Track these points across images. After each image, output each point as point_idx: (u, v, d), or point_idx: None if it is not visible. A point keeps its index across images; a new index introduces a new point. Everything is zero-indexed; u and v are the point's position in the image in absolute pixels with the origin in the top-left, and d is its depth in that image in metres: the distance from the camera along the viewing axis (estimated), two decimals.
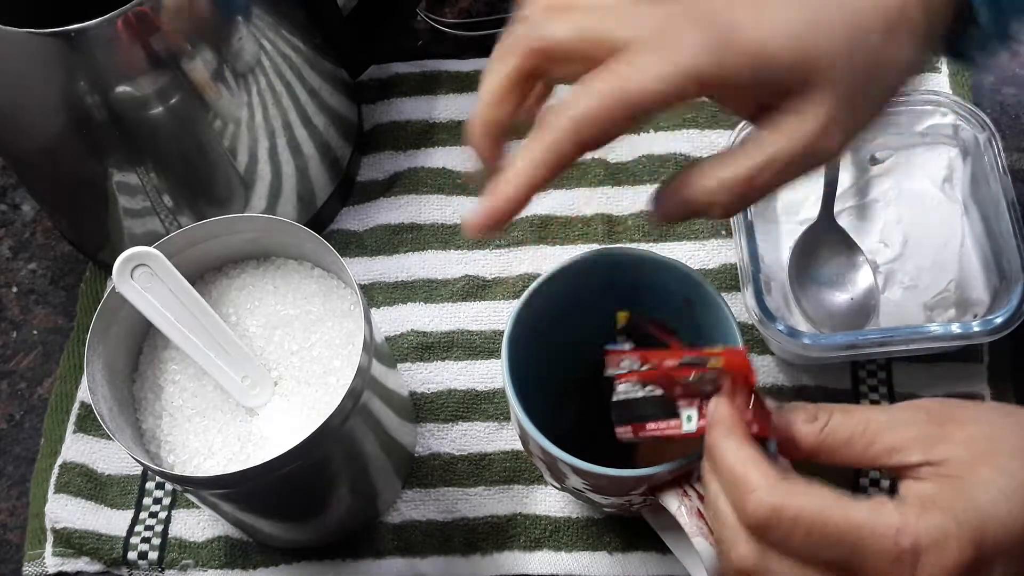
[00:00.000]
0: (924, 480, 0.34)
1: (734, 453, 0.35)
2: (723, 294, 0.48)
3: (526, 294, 0.48)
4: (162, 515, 0.58)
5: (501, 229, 0.38)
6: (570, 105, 0.36)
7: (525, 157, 0.37)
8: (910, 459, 0.34)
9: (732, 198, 0.37)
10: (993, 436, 0.34)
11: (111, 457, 0.59)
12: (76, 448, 0.59)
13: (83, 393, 0.61)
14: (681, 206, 0.38)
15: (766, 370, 0.58)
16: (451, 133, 0.67)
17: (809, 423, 0.36)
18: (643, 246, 0.61)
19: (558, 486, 0.50)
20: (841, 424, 0.35)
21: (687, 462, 0.44)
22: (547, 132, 0.37)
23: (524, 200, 0.38)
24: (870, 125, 0.37)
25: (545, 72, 0.38)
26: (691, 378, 0.39)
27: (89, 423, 0.60)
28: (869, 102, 0.37)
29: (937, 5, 0.37)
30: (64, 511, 0.57)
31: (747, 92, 0.36)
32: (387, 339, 0.61)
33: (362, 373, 0.45)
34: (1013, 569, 0.32)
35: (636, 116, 0.36)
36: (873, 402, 0.57)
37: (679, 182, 0.38)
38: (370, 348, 0.46)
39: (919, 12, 0.36)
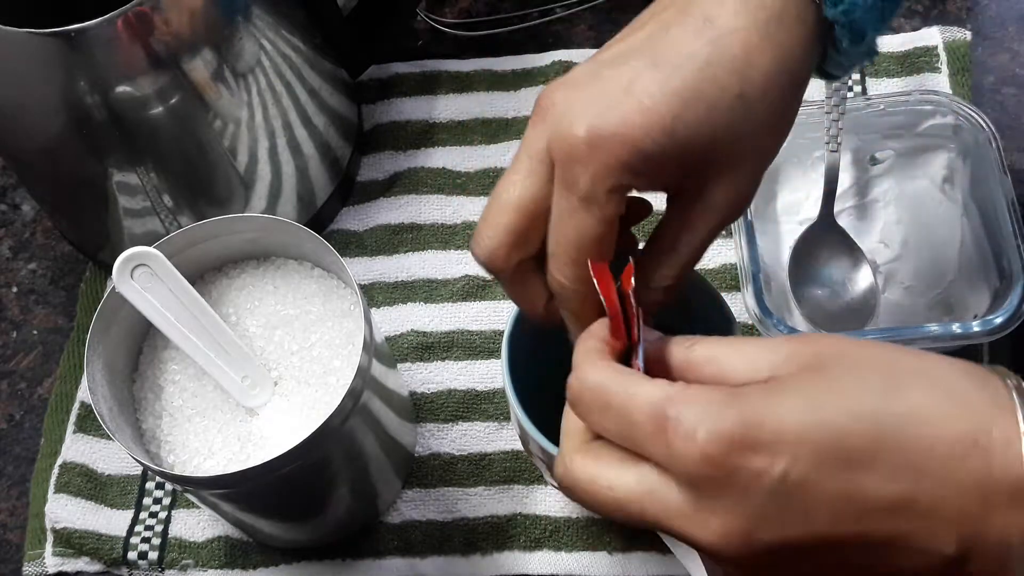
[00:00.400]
0: None
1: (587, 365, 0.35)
2: (723, 294, 0.48)
3: None
4: (162, 515, 0.58)
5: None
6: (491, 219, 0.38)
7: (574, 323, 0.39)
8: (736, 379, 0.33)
9: (673, 290, 0.39)
10: (843, 355, 0.32)
11: (111, 457, 0.59)
12: (76, 448, 0.59)
13: (83, 393, 0.61)
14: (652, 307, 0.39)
15: None
16: (451, 133, 0.67)
17: (680, 344, 0.35)
18: (643, 246, 0.61)
19: (558, 486, 0.50)
20: (705, 346, 0.34)
21: None
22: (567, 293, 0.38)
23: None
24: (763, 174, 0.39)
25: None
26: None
27: (89, 423, 0.60)
28: (767, 163, 0.38)
29: (801, 49, 0.37)
30: (64, 511, 0.57)
31: (655, 178, 0.37)
32: (387, 339, 0.61)
33: (362, 373, 0.45)
34: (802, 469, 0.29)
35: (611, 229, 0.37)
36: None
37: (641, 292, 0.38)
38: (370, 348, 0.46)
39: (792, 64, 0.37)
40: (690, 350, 0.34)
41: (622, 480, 0.32)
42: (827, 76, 0.41)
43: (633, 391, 0.32)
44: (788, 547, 0.30)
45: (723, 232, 0.61)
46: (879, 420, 0.30)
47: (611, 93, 0.36)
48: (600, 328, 0.36)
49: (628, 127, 0.35)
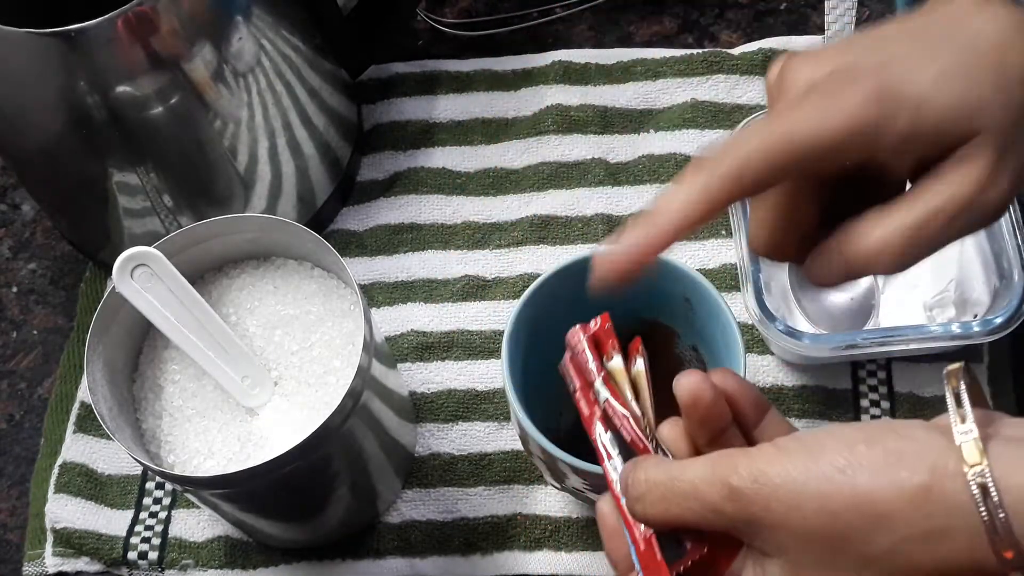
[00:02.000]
0: None
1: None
2: (723, 294, 0.48)
3: (526, 294, 0.48)
4: (162, 515, 0.58)
5: (630, 278, 0.37)
6: (732, 148, 0.35)
7: (676, 198, 0.35)
8: None
9: (895, 258, 0.35)
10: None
11: (111, 457, 0.59)
12: (76, 448, 0.59)
13: (83, 393, 0.61)
14: (841, 271, 0.37)
15: (766, 370, 0.58)
16: (451, 133, 0.67)
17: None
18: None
19: (558, 486, 0.50)
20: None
21: None
22: (704, 174, 0.35)
23: (664, 244, 0.36)
24: None
25: None
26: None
27: (89, 423, 0.60)
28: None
29: None
30: (64, 511, 0.57)
31: (907, 146, 0.35)
32: (387, 339, 0.61)
33: (362, 373, 0.45)
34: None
35: (800, 165, 0.35)
36: (873, 402, 0.57)
37: (835, 244, 0.36)
38: (370, 348, 0.46)
39: None
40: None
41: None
42: None
43: (695, 484, 0.34)
44: None
45: (723, 232, 0.61)
46: (832, 513, 0.31)
47: None
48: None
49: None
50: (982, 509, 0.29)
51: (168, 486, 0.58)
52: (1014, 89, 0.35)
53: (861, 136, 0.34)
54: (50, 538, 0.57)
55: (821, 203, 0.38)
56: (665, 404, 0.57)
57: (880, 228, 0.35)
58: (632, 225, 0.36)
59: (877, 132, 0.34)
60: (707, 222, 0.36)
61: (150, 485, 0.59)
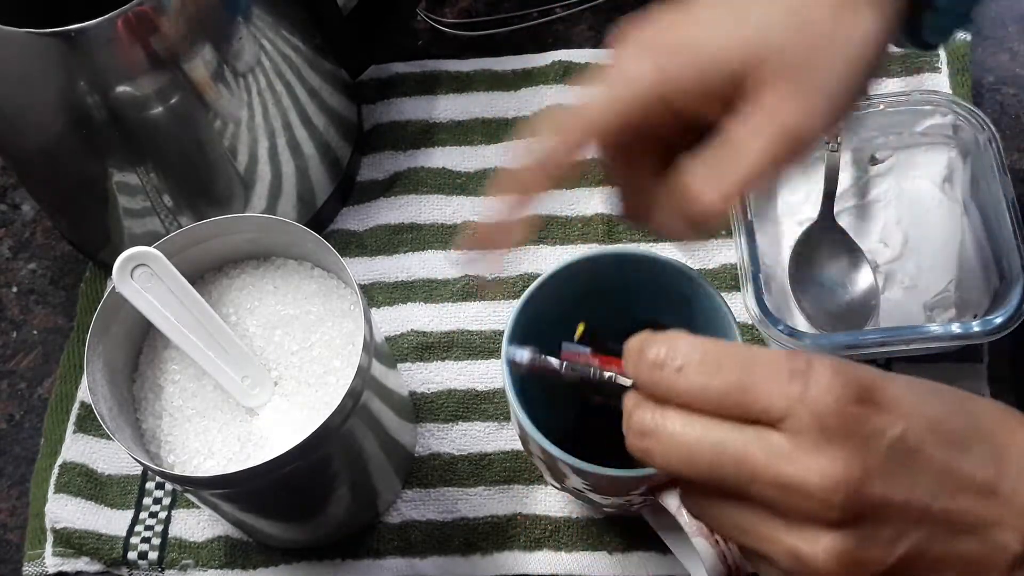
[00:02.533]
0: None
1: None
2: (723, 294, 0.48)
3: (526, 294, 0.48)
4: (162, 515, 0.58)
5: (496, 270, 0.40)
6: (571, 118, 0.39)
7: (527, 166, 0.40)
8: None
9: (727, 207, 0.38)
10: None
11: (111, 457, 0.59)
12: (76, 448, 0.59)
13: (83, 393, 0.61)
14: (686, 228, 0.39)
15: None
16: (451, 133, 0.67)
17: None
18: (643, 246, 0.61)
19: (558, 486, 0.50)
20: None
21: None
22: (549, 140, 0.40)
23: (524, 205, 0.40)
24: (848, 103, 0.38)
25: None
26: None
27: (89, 423, 0.60)
28: (836, 80, 0.37)
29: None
30: (64, 511, 0.57)
31: (700, 95, 0.38)
32: (387, 339, 0.61)
33: (362, 373, 0.45)
34: (917, 435, 0.32)
35: (616, 136, 0.39)
36: None
37: (676, 205, 0.38)
38: (370, 348, 0.46)
39: None
40: None
41: (716, 431, 0.33)
42: (925, 46, 0.42)
43: (752, 350, 0.33)
44: (887, 508, 0.31)
45: (723, 232, 0.61)
46: (970, 412, 0.33)
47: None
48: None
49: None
50: None
51: (168, 486, 0.58)
52: (806, 26, 0.36)
53: (653, 98, 0.37)
54: (50, 538, 0.57)
55: (660, 163, 0.40)
56: None
57: (712, 191, 0.37)
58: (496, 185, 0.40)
59: (660, 90, 0.37)
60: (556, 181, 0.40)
61: (150, 485, 0.59)
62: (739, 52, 0.37)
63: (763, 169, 0.36)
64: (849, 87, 0.37)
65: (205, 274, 0.52)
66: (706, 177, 0.37)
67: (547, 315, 0.49)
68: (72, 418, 0.61)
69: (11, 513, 0.60)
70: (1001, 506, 0.31)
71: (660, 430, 0.33)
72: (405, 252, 0.63)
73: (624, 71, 0.38)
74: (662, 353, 0.33)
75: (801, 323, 0.58)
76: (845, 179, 0.61)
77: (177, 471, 0.48)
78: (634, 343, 0.35)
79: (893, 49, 0.66)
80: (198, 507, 0.58)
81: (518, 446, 0.57)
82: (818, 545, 0.31)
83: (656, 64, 0.38)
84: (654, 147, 0.40)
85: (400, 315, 0.61)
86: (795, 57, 0.36)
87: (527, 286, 0.49)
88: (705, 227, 0.38)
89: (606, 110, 0.38)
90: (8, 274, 0.67)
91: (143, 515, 0.58)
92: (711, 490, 0.33)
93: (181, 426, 0.49)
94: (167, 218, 0.59)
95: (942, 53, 0.66)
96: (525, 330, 0.48)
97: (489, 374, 0.59)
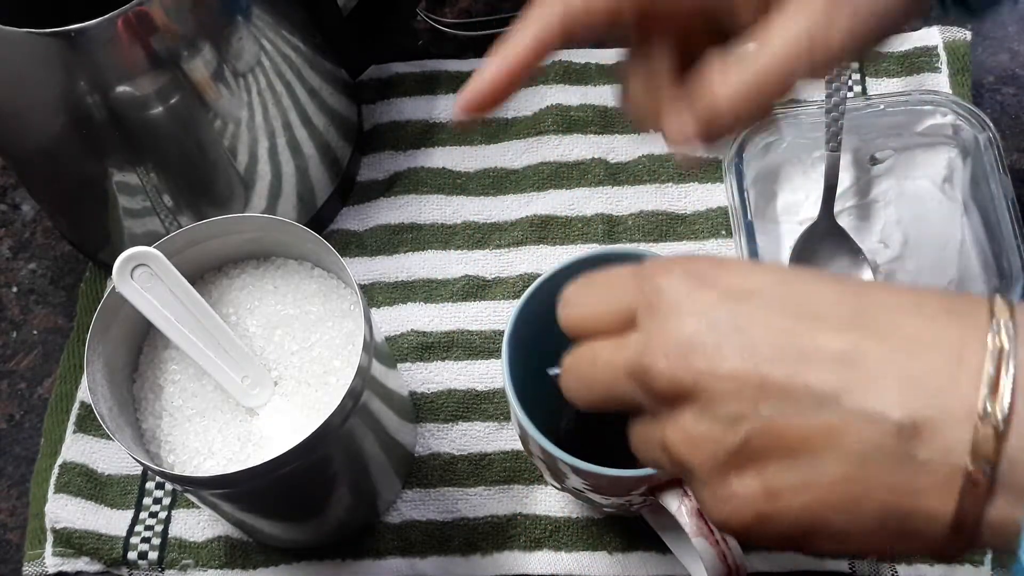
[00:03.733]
0: None
1: None
2: None
3: (526, 294, 0.48)
4: (162, 515, 0.58)
5: (487, 111, 0.38)
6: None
7: (524, 29, 0.38)
8: None
9: (743, 111, 0.35)
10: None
11: (111, 457, 0.59)
12: (76, 448, 0.59)
13: (83, 393, 0.61)
14: (694, 129, 0.36)
15: None
16: (451, 133, 0.67)
17: None
18: (643, 246, 0.61)
19: (558, 486, 0.50)
20: None
21: None
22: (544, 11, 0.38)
23: (512, 81, 0.38)
24: (876, 28, 0.36)
25: None
26: None
27: (89, 423, 0.60)
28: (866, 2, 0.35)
29: None
30: (64, 511, 0.57)
31: None
32: (387, 339, 0.61)
33: (362, 373, 0.45)
34: (762, 302, 0.31)
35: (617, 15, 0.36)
36: None
37: (686, 102, 0.36)
38: (370, 348, 0.46)
39: None
40: None
41: (596, 349, 0.34)
42: (964, 7, 0.40)
43: (612, 272, 0.35)
44: (718, 380, 0.30)
45: (723, 232, 0.61)
46: (854, 294, 0.31)
47: None
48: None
49: None
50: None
51: (168, 486, 0.58)
52: None
53: None
54: (50, 538, 0.57)
55: (677, 63, 0.38)
56: None
57: (724, 86, 0.35)
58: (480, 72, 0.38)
59: None
60: (541, 60, 0.38)
61: (150, 485, 0.59)
62: None
63: (778, 71, 0.35)
64: (878, 11, 0.35)
65: (205, 274, 0.52)
66: (723, 71, 0.35)
67: (547, 315, 0.49)
68: (72, 418, 0.61)
69: (11, 513, 0.60)
70: (862, 375, 0.29)
71: (567, 367, 0.35)
72: (405, 252, 0.63)
73: None
74: (563, 297, 0.36)
75: None
76: (845, 179, 0.61)
77: (177, 471, 0.48)
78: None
79: (893, 49, 0.66)
80: (198, 507, 0.58)
81: (518, 446, 0.57)
82: (667, 429, 0.31)
83: None
84: (678, 45, 0.38)
85: (400, 315, 0.61)
86: None
87: (527, 286, 0.49)
88: (714, 131, 0.36)
89: None
90: (8, 274, 0.67)
91: (143, 515, 0.58)
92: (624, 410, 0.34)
93: (181, 426, 0.49)
94: (167, 218, 0.59)
95: (942, 53, 0.66)
96: (525, 330, 0.48)
97: (489, 374, 0.59)
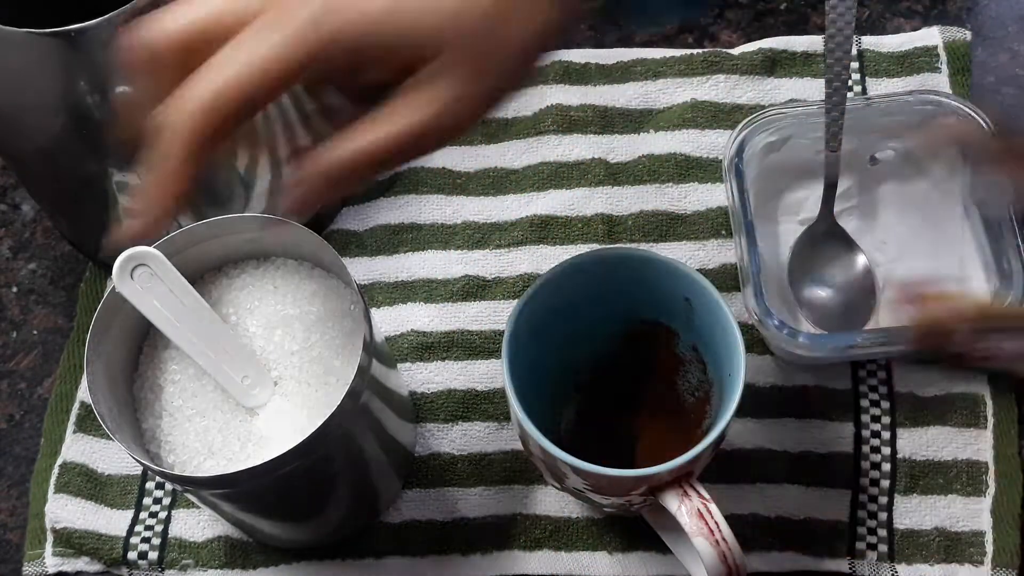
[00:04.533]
0: None
1: None
2: (723, 294, 0.48)
3: (526, 294, 0.48)
4: (162, 515, 0.58)
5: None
6: (195, 92, 0.35)
7: (161, 168, 0.36)
8: None
9: (364, 172, 0.37)
10: None
11: (111, 457, 0.59)
12: (76, 448, 0.59)
13: (83, 393, 0.61)
14: (306, 203, 0.37)
15: (766, 370, 0.58)
16: None
17: None
18: (643, 246, 0.61)
19: (558, 486, 0.50)
20: None
21: (687, 462, 0.44)
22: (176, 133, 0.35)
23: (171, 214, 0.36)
24: (506, 90, 0.37)
25: None
26: None
27: (89, 423, 0.60)
28: (499, 65, 0.36)
29: None
30: (64, 511, 0.57)
31: (359, 61, 0.36)
32: (387, 339, 0.61)
33: (362, 373, 0.45)
34: None
35: (265, 92, 0.36)
36: (873, 402, 0.57)
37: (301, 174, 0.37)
38: (370, 348, 0.46)
39: None
40: None
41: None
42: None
43: None
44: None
45: (723, 232, 0.61)
46: None
47: None
48: None
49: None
50: None
51: (168, 486, 0.58)
52: (476, 11, 0.35)
53: (307, 52, 0.35)
54: (50, 538, 0.57)
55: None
56: (663, 400, 0.57)
57: (332, 152, 0.36)
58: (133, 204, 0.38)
59: (317, 47, 0.35)
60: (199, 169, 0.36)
61: (150, 485, 0.59)
62: (405, 25, 0.35)
63: (398, 155, 0.36)
64: (515, 77, 0.37)
65: (205, 274, 0.52)
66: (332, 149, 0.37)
67: (547, 315, 0.50)
68: (72, 418, 0.61)
69: (11, 513, 0.60)
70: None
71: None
72: (405, 252, 0.63)
73: (284, 20, 0.35)
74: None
75: (801, 323, 0.58)
76: (845, 179, 0.61)
77: (177, 471, 0.47)
78: None
79: (893, 49, 0.66)
80: (198, 507, 0.58)
81: (518, 446, 0.57)
82: None
83: (315, 22, 0.35)
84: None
85: (400, 315, 0.61)
86: (465, 44, 0.35)
87: (527, 286, 0.49)
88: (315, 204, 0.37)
89: (267, 60, 0.35)
90: (8, 274, 0.67)
91: (143, 515, 0.58)
92: None
93: (181, 426, 0.49)
94: None
95: (942, 53, 0.66)
96: (525, 330, 0.48)
97: (489, 374, 0.59)
